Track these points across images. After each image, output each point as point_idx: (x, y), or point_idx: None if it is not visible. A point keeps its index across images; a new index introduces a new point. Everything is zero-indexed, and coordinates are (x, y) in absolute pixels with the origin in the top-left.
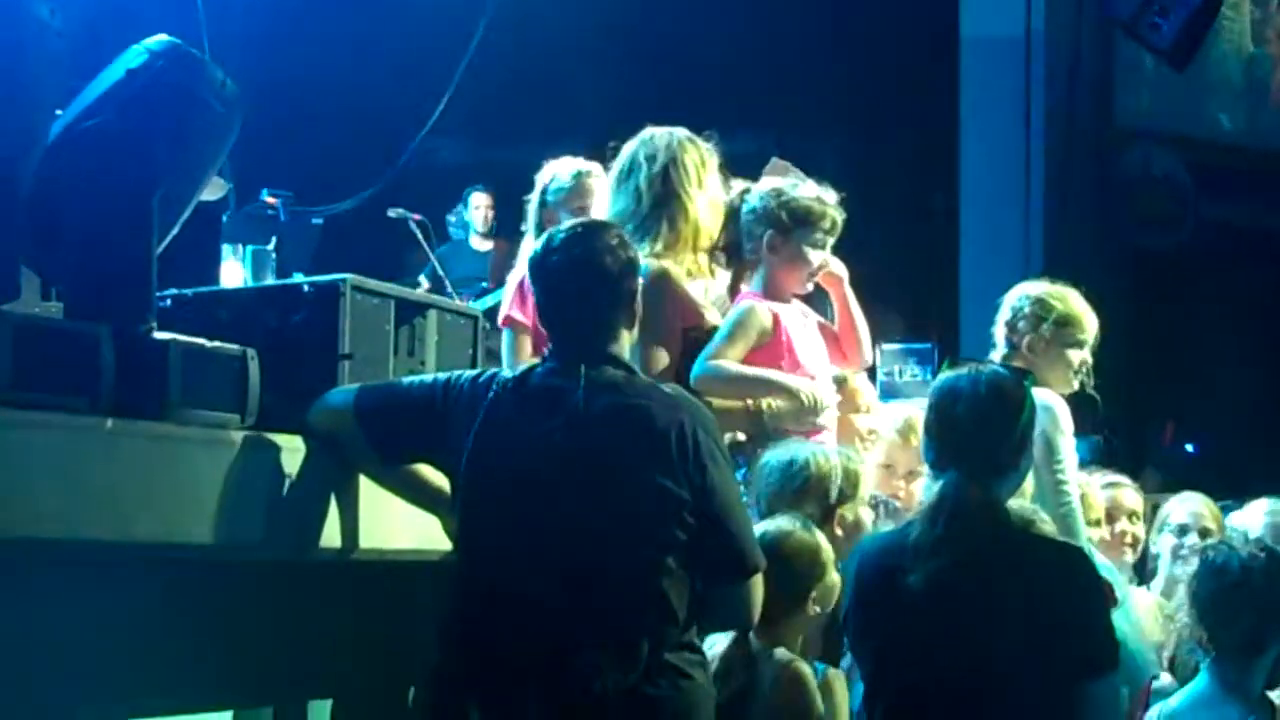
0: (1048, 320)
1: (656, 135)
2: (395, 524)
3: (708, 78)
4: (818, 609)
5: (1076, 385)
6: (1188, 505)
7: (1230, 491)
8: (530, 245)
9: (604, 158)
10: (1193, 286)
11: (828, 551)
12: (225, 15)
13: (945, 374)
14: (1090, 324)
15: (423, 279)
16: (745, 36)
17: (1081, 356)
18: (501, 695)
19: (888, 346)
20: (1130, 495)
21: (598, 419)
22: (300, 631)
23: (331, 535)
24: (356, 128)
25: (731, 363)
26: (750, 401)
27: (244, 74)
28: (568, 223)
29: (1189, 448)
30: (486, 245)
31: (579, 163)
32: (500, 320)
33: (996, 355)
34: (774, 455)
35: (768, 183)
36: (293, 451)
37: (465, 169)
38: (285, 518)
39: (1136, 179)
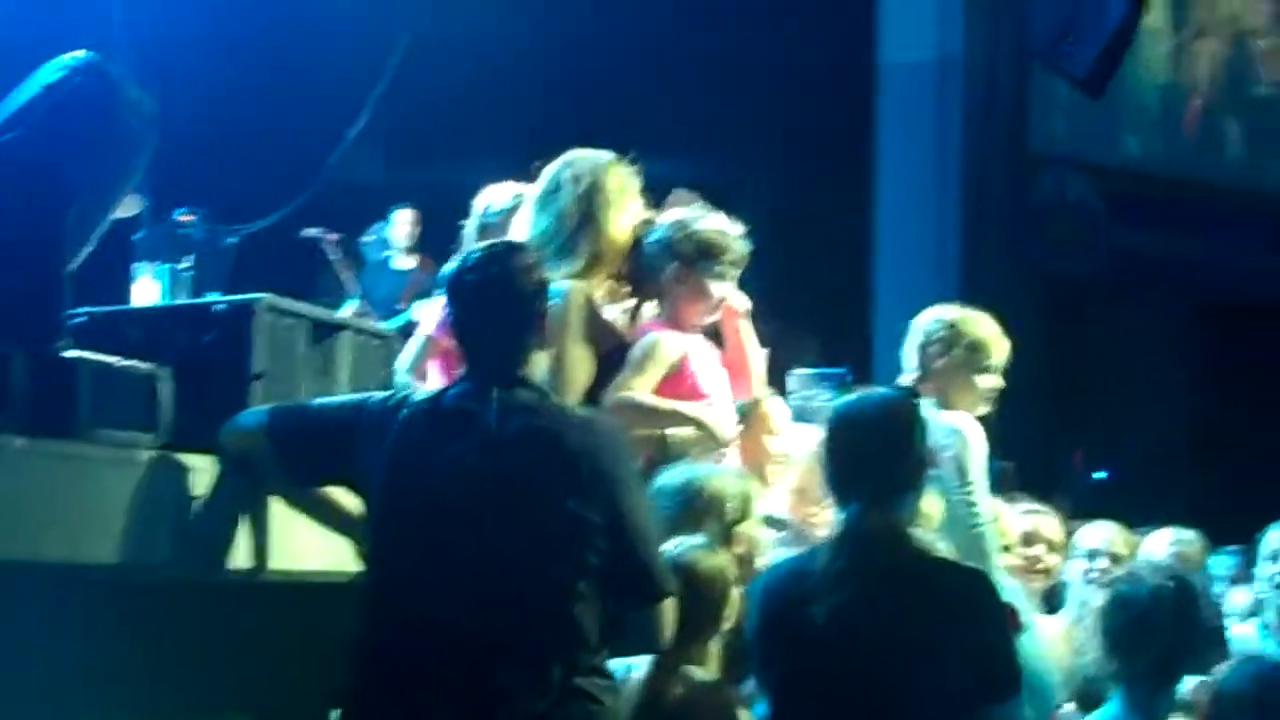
0: (959, 345)
1: (581, 157)
2: (306, 545)
3: (626, 102)
4: (727, 624)
5: (986, 410)
6: (1100, 531)
7: (1140, 518)
8: None
9: (526, 178)
10: (1105, 313)
11: (733, 569)
12: (143, 33)
13: (836, 402)
14: (1001, 349)
15: (350, 305)
16: (664, 61)
17: (992, 381)
18: None
19: (801, 372)
20: (1050, 524)
21: (510, 442)
22: (217, 652)
23: (241, 555)
24: (273, 146)
25: (642, 394)
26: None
27: (161, 91)
28: (483, 243)
29: (1099, 474)
30: (410, 262)
31: (517, 186)
32: (421, 331)
33: (908, 378)
34: (670, 479)
35: (672, 214)
36: (203, 471)
37: (382, 188)
38: (194, 537)
39: (1050, 205)
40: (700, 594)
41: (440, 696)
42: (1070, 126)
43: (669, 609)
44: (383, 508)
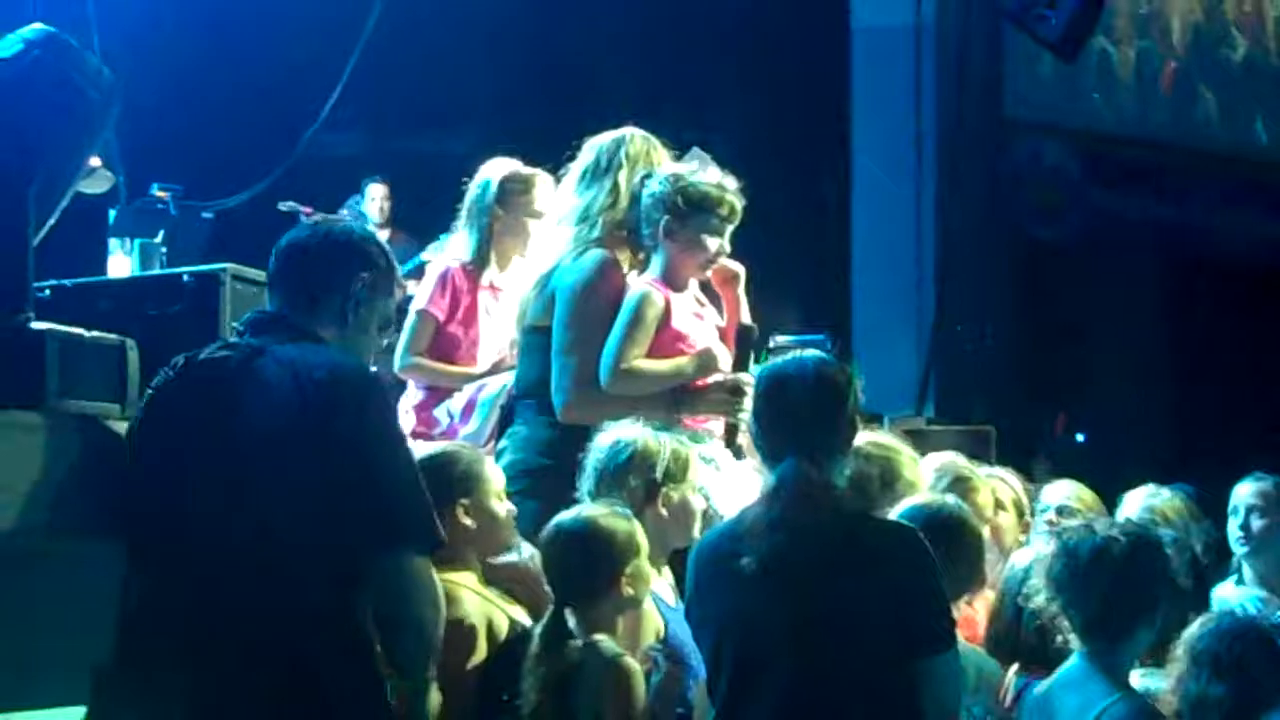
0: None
1: (633, 136)
2: None
3: (599, 69)
4: (631, 591)
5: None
6: (1060, 490)
7: (1121, 480)
8: (461, 239)
9: (497, 150)
10: (1083, 276)
11: (640, 536)
12: (116, 9)
13: (768, 363)
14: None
15: None
16: (636, 27)
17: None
18: (153, 688)
19: (781, 338)
20: (1006, 486)
21: (247, 395)
22: None
23: None
24: (249, 121)
25: (641, 362)
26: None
27: (134, 66)
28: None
29: (1079, 438)
30: (383, 235)
31: (522, 165)
32: (413, 307)
33: None
34: (604, 436)
35: (668, 168)
36: None
37: (358, 161)
38: None
39: (1026, 170)
40: (598, 551)
41: (184, 668)
42: (1046, 91)
43: (425, 566)
44: (132, 467)
